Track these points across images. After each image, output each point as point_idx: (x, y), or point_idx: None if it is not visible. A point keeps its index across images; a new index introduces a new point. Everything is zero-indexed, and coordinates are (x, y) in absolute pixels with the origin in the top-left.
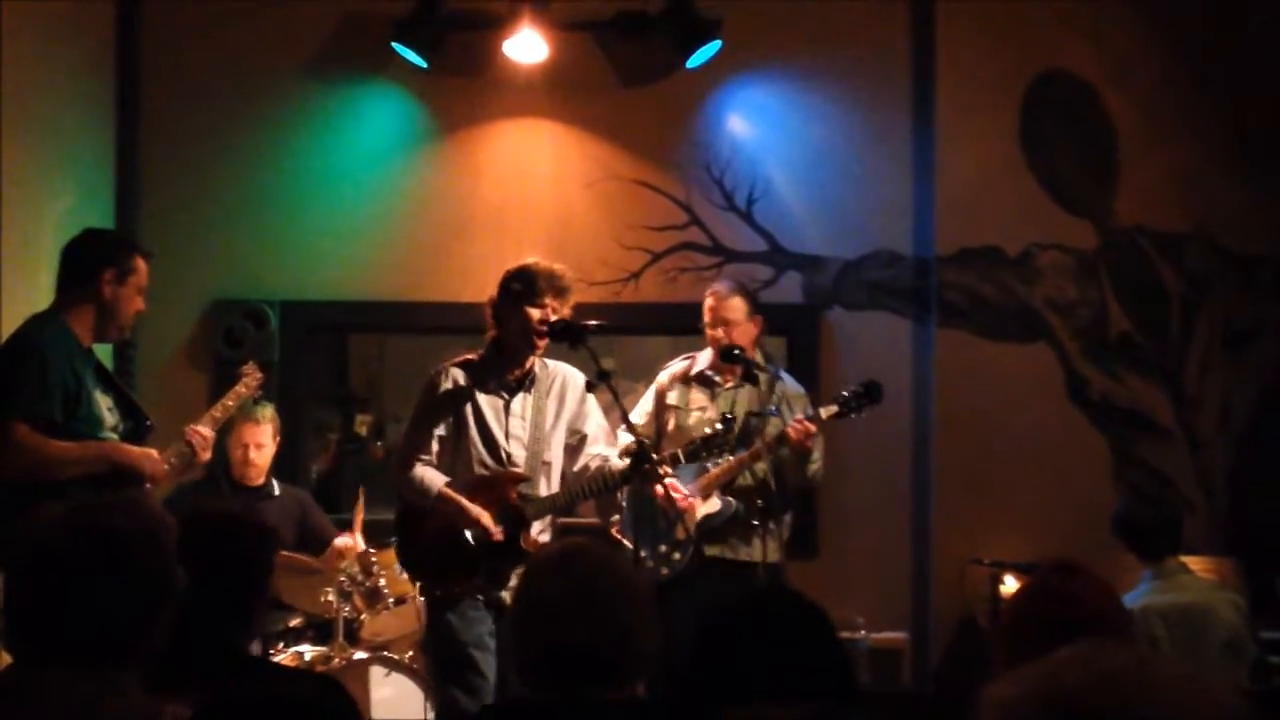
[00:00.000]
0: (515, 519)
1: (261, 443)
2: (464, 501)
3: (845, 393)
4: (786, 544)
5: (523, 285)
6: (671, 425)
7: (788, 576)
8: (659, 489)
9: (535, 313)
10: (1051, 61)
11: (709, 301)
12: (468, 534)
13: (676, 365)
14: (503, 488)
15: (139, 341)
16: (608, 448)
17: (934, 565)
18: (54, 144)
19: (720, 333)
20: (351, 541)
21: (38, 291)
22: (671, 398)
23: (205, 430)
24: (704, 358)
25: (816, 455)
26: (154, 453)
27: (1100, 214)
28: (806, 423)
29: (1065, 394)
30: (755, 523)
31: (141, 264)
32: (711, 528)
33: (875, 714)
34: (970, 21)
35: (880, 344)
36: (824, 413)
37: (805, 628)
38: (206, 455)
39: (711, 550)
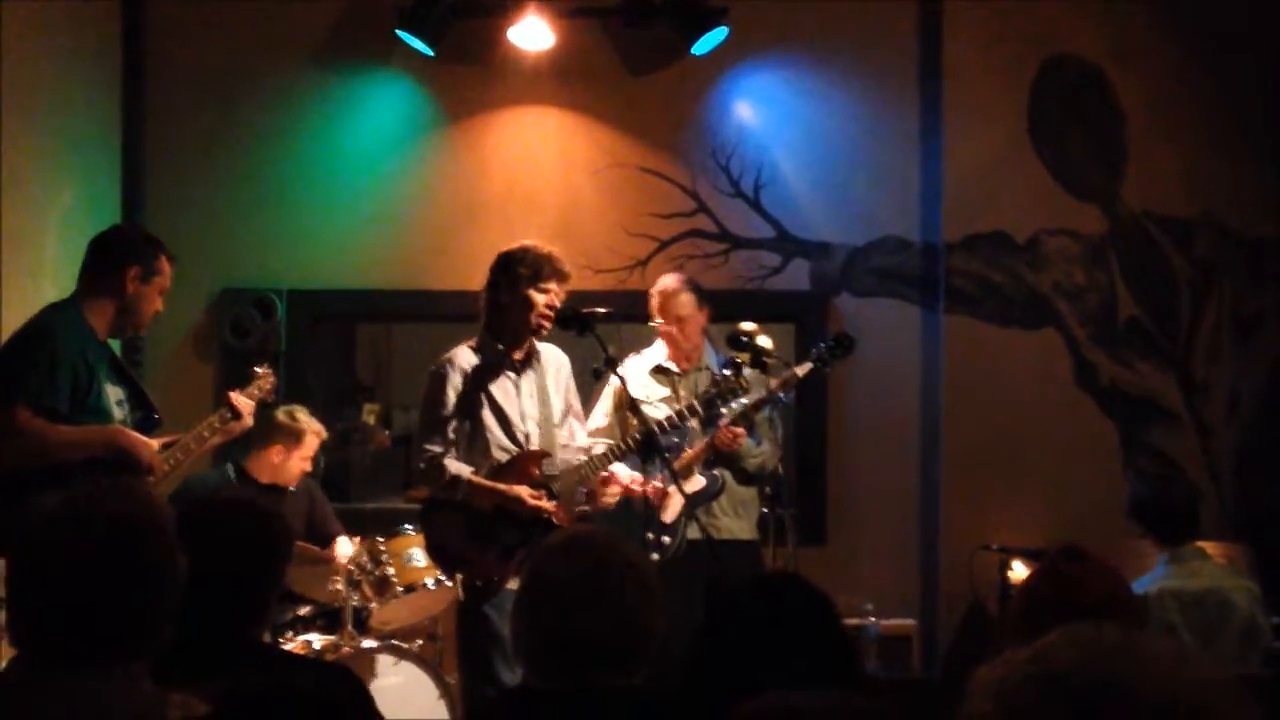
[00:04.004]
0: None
1: (315, 458)
2: (496, 484)
3: (816, 348)
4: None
5: (528, 269)
6: (636, 420)
7: (779, 559)
8: (635, 482)
9: (541, 297)
10: (1059, 46)
11: (655, 300)
12: (504, 516)
13: (630, 363)
14: (525, 468)
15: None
16: (579, 426)
17: (943, 551)
18: (59, 134)
19: (675, 330)
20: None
21: (42, 284)
22: (633, 393)
23: (245, 399)
24: (657, 351)
25: (758, 450)
26: (153, 443)
27: (1108, 199)
28: (733, 429)
29: (1073, 380)
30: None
31: (167, 266)
32: (700, 504)
33: (891, 703)
34: (978, 6)
35: (888, 331)
36: (799, 370)
37: (809, 615)
38: (249, 421)
39: (694, 532)
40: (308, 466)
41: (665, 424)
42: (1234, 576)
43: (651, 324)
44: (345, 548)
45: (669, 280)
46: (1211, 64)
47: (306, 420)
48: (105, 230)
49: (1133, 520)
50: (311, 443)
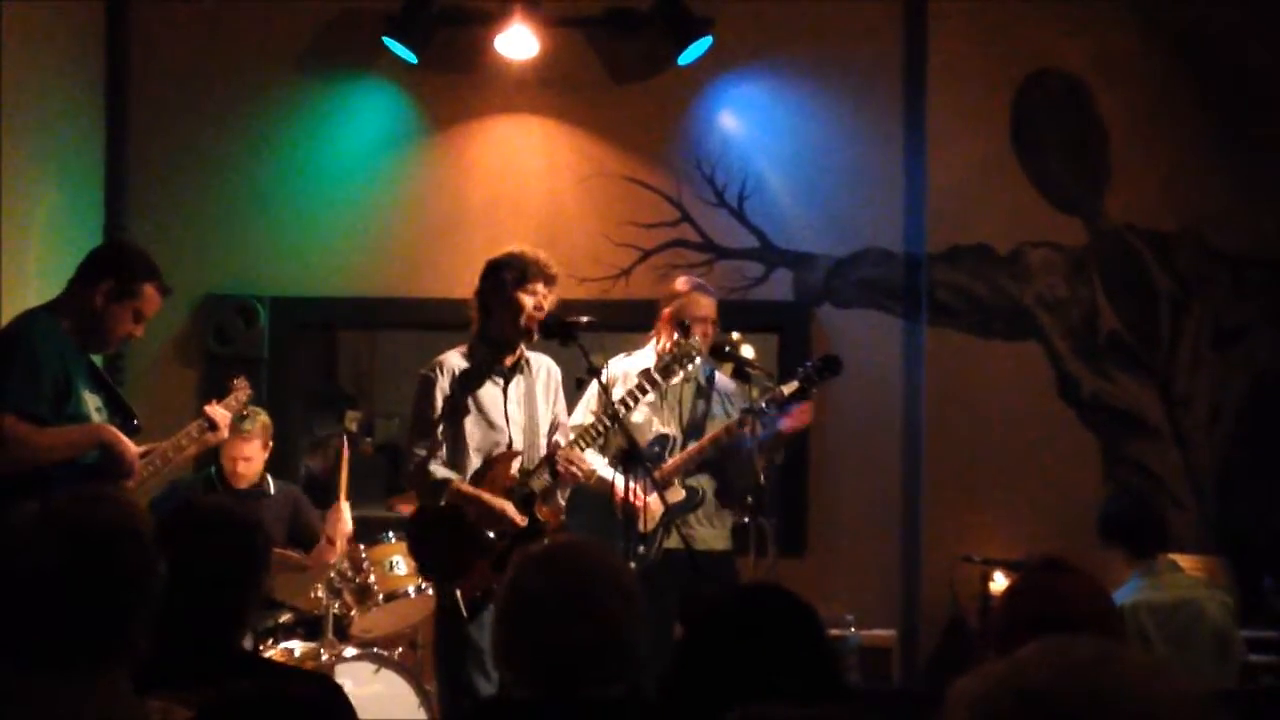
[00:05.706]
0: (525, 497)
1: (249, 456)
2: (484, 495)
3: (803, 368)
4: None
5: (514, 272)
6: (619, 431)
7: (760, 569)
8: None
9: (528, 299)
10: (1043, 60)
11: (678, 304)
12: (492, 532)
13: (617, 365)
14: (500, 472)
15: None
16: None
17: (924, 563)
18: (42, 140)
19: (711, 330)
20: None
21: (27, 288)
22: (617, 396)
23: (222, 411)
24: (646, 356)
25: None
26: (133, 444)
27: (1091, 212)
28: (802, 410)
29: (1055, 392)
30: (744, 518)
31: (150, 293)
32: (678, 515)
33: (871, 714)
34: (962, 19)
35: (871, 342)
36: (785, 390)
37: (793, 626)
38: (225, 433)
39: (670, 542)
40: (242, 469)
41: (650, 446)
42: (1207, 587)
43: (667, 338)
44: (345, 514)
45: (690, 284)
46: (1194, 78)
47: (235, 422)
48: (102, 244)
49: (1103, 537)
50: (233, 442)
